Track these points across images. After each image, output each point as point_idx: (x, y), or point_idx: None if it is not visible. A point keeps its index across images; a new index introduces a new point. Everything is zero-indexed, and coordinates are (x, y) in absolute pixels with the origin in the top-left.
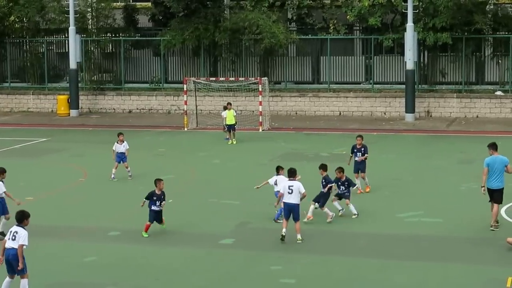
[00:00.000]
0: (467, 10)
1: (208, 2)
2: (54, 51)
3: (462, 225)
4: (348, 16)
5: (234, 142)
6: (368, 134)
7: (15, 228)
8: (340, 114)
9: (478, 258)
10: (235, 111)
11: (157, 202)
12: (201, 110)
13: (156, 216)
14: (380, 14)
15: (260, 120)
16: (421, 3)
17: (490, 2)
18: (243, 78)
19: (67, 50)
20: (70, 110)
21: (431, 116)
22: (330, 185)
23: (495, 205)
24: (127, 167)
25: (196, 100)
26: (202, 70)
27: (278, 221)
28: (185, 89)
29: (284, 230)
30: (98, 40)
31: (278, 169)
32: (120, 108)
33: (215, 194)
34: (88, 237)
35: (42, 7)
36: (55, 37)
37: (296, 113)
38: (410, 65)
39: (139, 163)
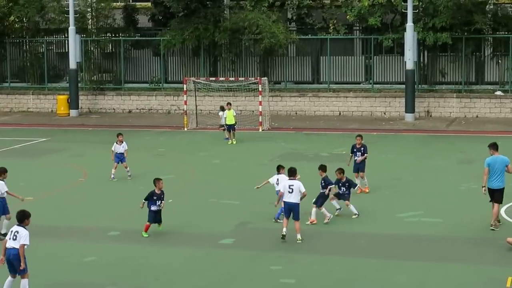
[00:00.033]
0: (467, 10)
1: (208, 2)
2: (54, 51)
3: (462, 225)
4: (348, 16)
5: (234, 142)
6: (368, 134)
7: (16, 227)
8: (340, 114)
9: (478, 258)
10: (235, 111)
11: (157, 201)
12: (201, 110)
13: (156, 216)
14: (380, 14)
15: (260, 120)
16: (421, 3)
17: (490, 2)
18: (243, 78)
19: (67, 50)
20: (70, 110)
21: (431, 116)
22: (330, 186)
23: (496, 205)
24: (126, 167)
25: (196, 100)
26: (202, 70)
27: (279, 220)
28: (185, 89)
29: (284, 229)
30: (98, 40)
31: (279, 168)
32: (120, 108)
33: (215, 194)
34: (88, 237)
35: (42, 7)
36: (55, 37)
37: (296, 113)
38: (410, 65)
39: (139, 163)
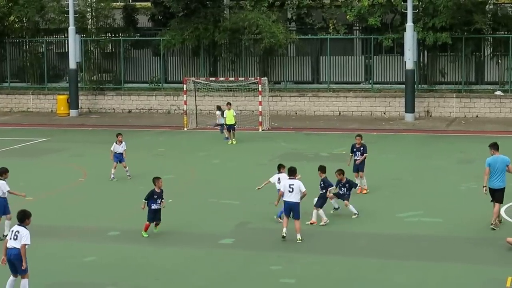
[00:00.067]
0: (467, 10)
1: (207, 2)
2: (54, 51)
3: (462, 225)
4: (347, 16)
5: (234, 142)
6: (367, 134)
7: (16, 227)
8: (339, 114)
9: (478, 258)
10: (235, 111)
11: (157, 200)
12: (200, 110)
13: (155, 215)
14: (379, 14)
15: (260, 120)
16: (420, 3)
17: (489, 2)
18: (242, 78)
19: (66, 50)
20: (70, 110)
21: (430, 116)
22: (330, 188)
23: (497, 205)
24: (125, 167)
25: (195, 100)
26: (201, 70)
27: (280, 220)
28: (184, 89)
29: (284, 230)
30: (98, 40)
31: (280, 167)
32: (120, 108)
33: (215, 194)
34: (87, 237)
35: (42, 7)
36: (55, 37)
37: (296, 113)
38: (409, 65)
39: (139, 163)
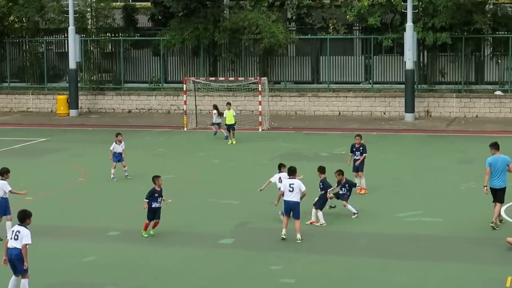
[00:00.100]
0: (467, 10)
1: (207, 2)
2: (54, 51)
3: (461, 224)
4: (347, 16)
5: (234, 142)
6: (367, 134)
7: (17, 227)
8: (339, 114)
9: (478, 258)
10: (235, 111)
11: (158, 198)
12: (200, 110)
13: (155, 214)
14: (379, 14)
15: (260, 120)
16: (420, 3)
17: (489, 2)
18: (242, 78)
19: (66, 50)
20: (70, 110)
21: (430, 115)
22: (329, 189)
23: (498, 204)
24: (124, 166)
25: (195, 100)
26: (201, 70)
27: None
28: (184, 89)
29: (284, 231)
30: (98, 40)
31: (280, 167)
32: (120, 108)
33: (215, 194)
34: (87, 237)
35: (42, 7)
36: (55, 37)
37: (296, 113)
38: (409, 65)
39: (139, 163)
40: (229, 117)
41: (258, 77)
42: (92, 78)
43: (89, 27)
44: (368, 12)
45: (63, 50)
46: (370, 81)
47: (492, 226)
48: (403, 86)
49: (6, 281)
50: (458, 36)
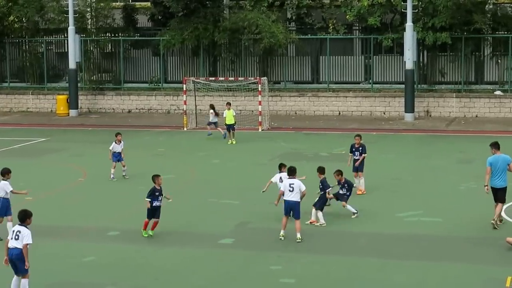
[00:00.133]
0: (467, 10)
1: (207, 2)
2: (54, 51)
3: (461, 224)
4: (347, 16)
5: (234, 142)
6: (367, 134)
7: (18, 227)
8: (339, 114)
9: (478, 258)
10: (235, 111)
11: (159, 197)
12: (200, 110)
13: (155, 212)
14: (379, 14)
15: (260, 120)
16: (420, 3)
17: (489, 1)
18: (242, 78)
19: (66, 50)
20: (70, 110)
21: (430, 115)
22: (328, 190)
23: (499, 204)
24: (124, 166)
25: (195, 100)
26: (201, 70)
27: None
28: (184, 89)
29: (282, 232)
30: (98, 40)
31: (281, 167)
32: (120, 108)
33: (215, 194)
34: (87, 237)
35: (42, 7)
36: (55, 37)
37: (296, 113)
38: (409, 64)
39: (139, 163)
40: (229, 117)
41: (258, 77)
42: (92, 78)
43: (89, 27)
44: (368, 12)
45: (63, 50)
46: (370, 81)
47: (492, 223)
48: (403, 86)
49: (6, 281)
50: (458, 36)
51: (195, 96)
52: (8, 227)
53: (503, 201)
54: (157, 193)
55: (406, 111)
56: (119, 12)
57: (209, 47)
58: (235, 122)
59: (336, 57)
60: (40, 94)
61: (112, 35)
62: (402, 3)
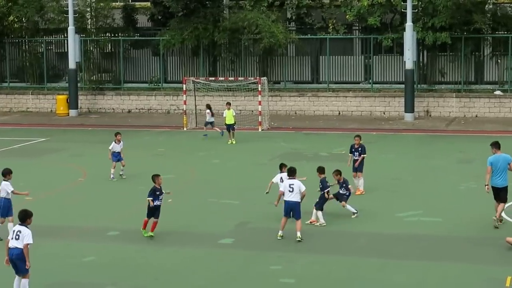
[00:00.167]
0: (466, 10)
1: (207, 2)
2: (53, 51)
3: (461, 224)
4: (347, 16)
5: (234, 142)
6: (367, 133)
7: (18, 227)
8: (339, 113)
9: (478, 258)
10: (235, 111)
11: (159, 196)
12: (200, 110)
13: (155, 212)
14: (379, 14)
15: (260, 120)
16: (420, 3)
17: (489, 1)
18: (242, 78)
19: (66, 50)
20: (69, 110)
21: (430, 115)
22: (327, 190)
23: (501, 204)
24: (123, 166)
25: (195, 100)
26: (201, 70)
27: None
28: (184, 89)
29: (280, 232)
30: (97, 40)
31: (282, 167)
32: (120, 108)
33: (215, 194)
34: (87, 237)
35: (41, 7)
36: (54, 37)
37: (296, 113)
38: (409, 64)
39: (139, 163)
40: (229, 117)
41: (257, 77)
42: (92, 78)
43: (88, 27)
44: (368, 12)
45: (63, 50)
46: (370, 81)
47: (494, 219)
48: (402, 86)
49: (6, 281)
50: (458, 36)
51: (195, 96)
52: (9, 227)
53: (505, 200)
54: (157, 193)
55: (406, 111)
56: (119, 12)
57: (209, 47)
58: (235, 122)
59: (336, 57)
60: (40, 94)
61: (112, 35)
62: (402, 3)
